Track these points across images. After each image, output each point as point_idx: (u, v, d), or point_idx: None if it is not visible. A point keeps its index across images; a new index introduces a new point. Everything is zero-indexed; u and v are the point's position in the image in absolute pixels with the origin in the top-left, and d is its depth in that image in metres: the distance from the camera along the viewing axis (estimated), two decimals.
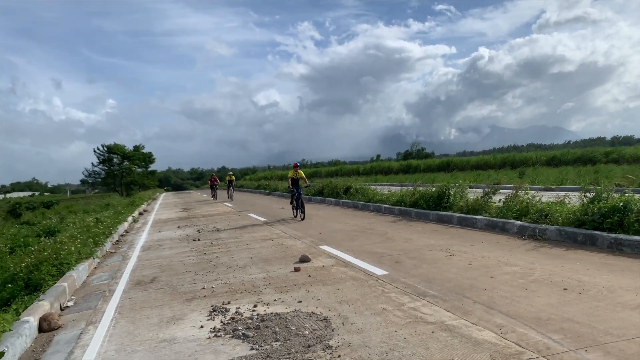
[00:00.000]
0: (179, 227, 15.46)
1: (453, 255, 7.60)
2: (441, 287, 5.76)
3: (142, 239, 13.07)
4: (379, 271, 6.84)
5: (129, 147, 61.79)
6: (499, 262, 6.86)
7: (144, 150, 62.84)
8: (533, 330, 4.17)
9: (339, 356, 3.92)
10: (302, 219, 14.17)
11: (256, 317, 5.14)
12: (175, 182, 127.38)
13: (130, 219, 18.94)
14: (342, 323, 4.73)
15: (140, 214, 23.87)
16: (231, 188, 28.55)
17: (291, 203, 15.44)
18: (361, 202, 16.98)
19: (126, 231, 15.80)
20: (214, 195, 31.81)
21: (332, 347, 4.13)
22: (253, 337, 4.53)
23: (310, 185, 15.19)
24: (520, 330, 4.19)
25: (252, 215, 17.64)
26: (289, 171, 15.33)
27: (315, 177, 46.54)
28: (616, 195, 8.08)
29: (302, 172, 14.94)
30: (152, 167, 65.64)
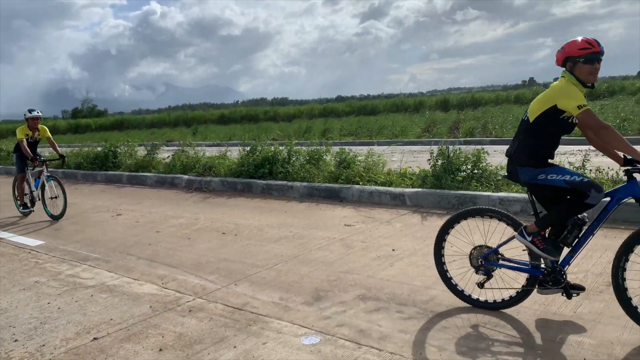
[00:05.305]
0: None
1: (120, 214, 7.36)
2: (105, 248, 5.51)
3: None
4: (32, 242, 6.06)
5: None
6: (166, 215, 7.00)
7: None
8: (192, 275, 4.43)
9: None
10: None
11: None
12: None
13: None
14: None
15: None
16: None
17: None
18: (14, 167, 14.62)
19: None
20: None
21: None
22: None
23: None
24: (180, 277, 4.39)
25: None
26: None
27: None
28: (268, 147, 9.22)
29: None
30: None
